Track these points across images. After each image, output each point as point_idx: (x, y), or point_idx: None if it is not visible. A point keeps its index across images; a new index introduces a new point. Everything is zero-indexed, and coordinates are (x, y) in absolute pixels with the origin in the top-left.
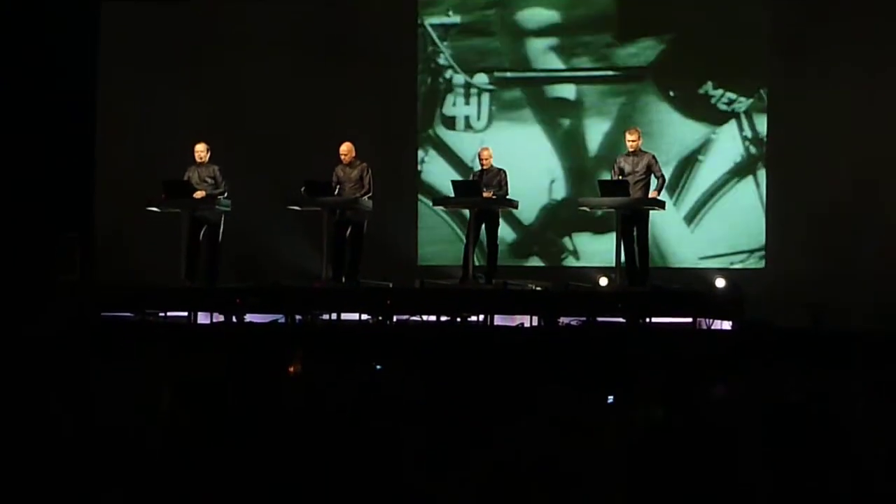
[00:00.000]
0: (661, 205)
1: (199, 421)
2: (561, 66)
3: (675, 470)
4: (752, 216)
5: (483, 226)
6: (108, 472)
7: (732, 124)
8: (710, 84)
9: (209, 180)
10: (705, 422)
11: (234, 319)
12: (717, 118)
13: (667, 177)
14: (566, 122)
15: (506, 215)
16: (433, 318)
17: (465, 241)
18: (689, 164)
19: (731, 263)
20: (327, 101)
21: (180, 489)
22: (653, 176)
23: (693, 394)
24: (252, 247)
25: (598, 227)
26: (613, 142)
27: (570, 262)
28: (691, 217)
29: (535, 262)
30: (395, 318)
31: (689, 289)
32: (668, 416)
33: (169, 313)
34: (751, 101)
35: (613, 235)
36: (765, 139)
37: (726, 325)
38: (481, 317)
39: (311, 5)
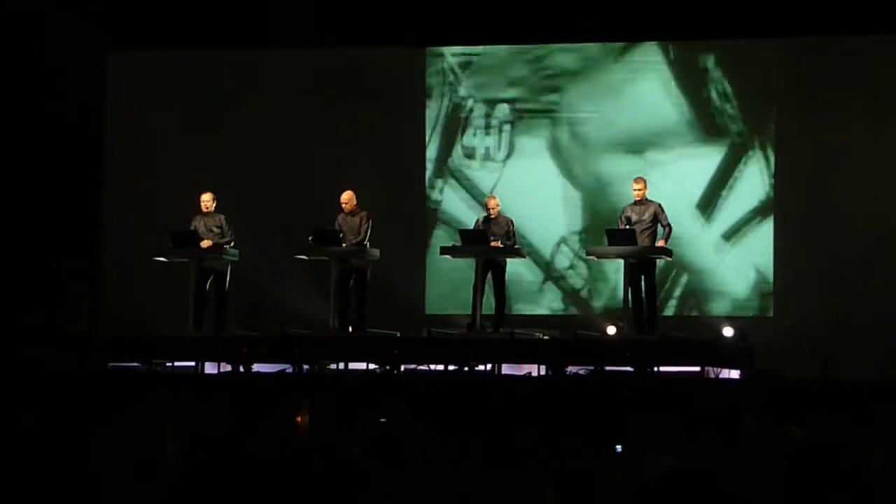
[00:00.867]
0: (669, 253)
1: (205, 471)
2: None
3: None
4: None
5: (490, 274)
6: None
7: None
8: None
9: (216, 230)
10: (715, 470)
11: (241, 369)
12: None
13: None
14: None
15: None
16: (441, 367)
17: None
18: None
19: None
20: (335, 150)
21: None
22: (659, 225)
23: (702, 442)
24: (259, 296)
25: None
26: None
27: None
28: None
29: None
30: (402, 368)
31: (697, 338)
32: (677, 466)
33: (176, 363)
34: (759, 146)
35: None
36: (772, 185)
37: (734, 374)
38: (489, 366)
39: (318, 55)
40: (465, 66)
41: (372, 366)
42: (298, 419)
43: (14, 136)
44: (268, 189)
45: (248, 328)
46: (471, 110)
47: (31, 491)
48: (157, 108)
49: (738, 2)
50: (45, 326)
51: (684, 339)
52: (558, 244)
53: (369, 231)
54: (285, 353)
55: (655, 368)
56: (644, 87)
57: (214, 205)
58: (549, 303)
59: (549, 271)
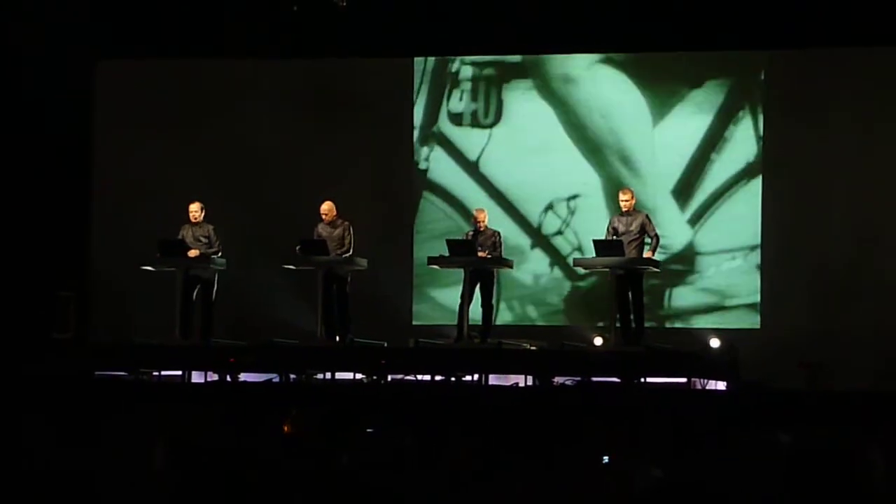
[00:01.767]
0: (656, 264)
1: (192, 481)
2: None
3: None
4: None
5: (478, 285)
6: None
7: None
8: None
9: (203, 239)
10: (703, 482)
11: (228, 378)
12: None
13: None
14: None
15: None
16: (427, 377)
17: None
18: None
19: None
20: (322, 160)
21: None
22: (646, 236)
23: (689, 454)
24: (246, 305)
25: None
26: None
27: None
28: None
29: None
30: (389, 378)
31: (684, 349)
32: (665, 477)
33: (163, 372)
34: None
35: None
36: (760, 197)
37: (721, 385)
38: (476, 376)
39: (306, 65)
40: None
41: (359, 375)
42: (285, 428)
43: (1, 142)
44: (255, 198)
45: (235, 337)
46: (457, 72)
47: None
48: (145, 117)
49: (725, 12)
50: (31, 334)
51: (671, 350)
52: (546, 210)
53: (353, 241)
54: (272, 363)
55: (642, 379)
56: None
57: (202, 215)
58: (535, 268)
59: (538, 237)
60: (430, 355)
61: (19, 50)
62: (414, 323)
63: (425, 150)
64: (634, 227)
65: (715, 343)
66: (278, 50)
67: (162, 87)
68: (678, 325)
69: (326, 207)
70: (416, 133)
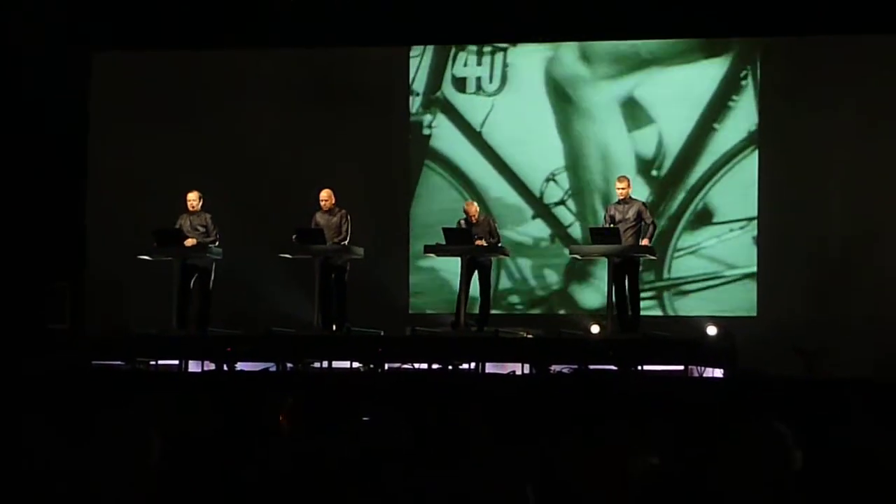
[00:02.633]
0: (652, 252)
1: (189, 471)
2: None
3: None
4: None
5: (476, 273)
6: None
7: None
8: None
9: (200, 228)
10: (701, 470)
11: (224, 367)
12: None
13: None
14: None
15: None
16: (424, 365)
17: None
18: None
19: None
20: (319, 149)
21: None
22: (643, 223)
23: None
24: (243, 294)
25: None
26: None
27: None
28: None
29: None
30: (386, 366)
31: (681, 336)
32: (663, 465)
33: (160, 361)
34: (743, 144)
35: None
36: (756, 186)
37: (718, 373)
38: (473, 364)
39: (304, 54)
40: None
41: (356, 364)
42: (281, 418)
43: None
44: (251, 187)
45: (232, 327)
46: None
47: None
48: (142, 107)
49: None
50: (28, 326)
51: (668, 337)
52: (548, 180)
53: (350, 229)
54: (269, 352)
55: (639, 367)
56: None
57: (201, 203)
58: (537, 232)
59: (539, 206)
60: (426, 344)
61: (15, 42)
62: (411, 311)
63: (428, 116)
64: (631, 214)
65: (712, 330)
66: (275, 39)
67: (158, 78)
68: (676, 296)
69: (325, 195)
70: (419, 100)
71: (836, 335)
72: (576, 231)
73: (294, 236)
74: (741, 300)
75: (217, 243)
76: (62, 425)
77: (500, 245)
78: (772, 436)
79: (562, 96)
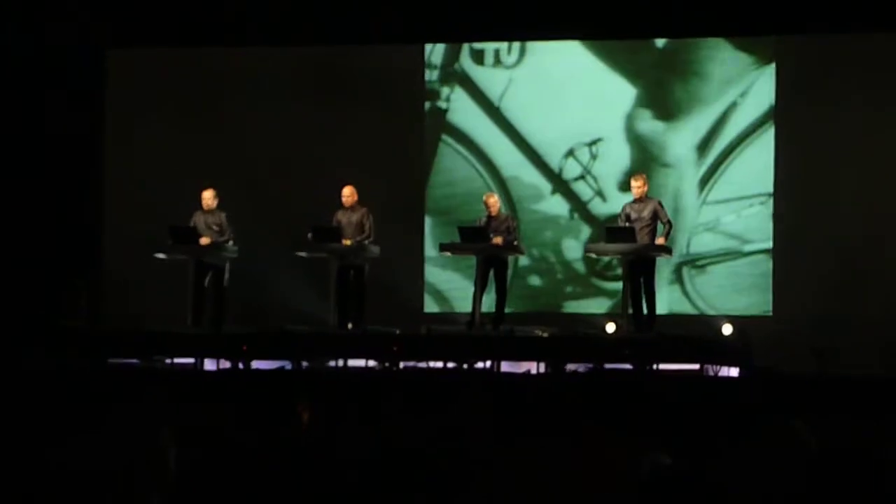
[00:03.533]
0: (668, 251)
1: (204, 469)
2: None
3: None
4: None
5: (492, 272)
6: None
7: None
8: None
9: (215, 227)
10: (713, 470)
11: (240, 366)
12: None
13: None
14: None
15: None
16: (440, 364)
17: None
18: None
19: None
20: (335, 147)
21: None
22: (659, 222)
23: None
24: (259, 292)
25: None
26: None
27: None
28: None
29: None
30: (401, 365)
31: (696, 335)
32: (675, 464)
33: (175, 360)
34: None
35: None
36: (772, 183)
37: (733, 371)
38: (488, 363)
39: (318, 51)
40: None
41: (371, 363)
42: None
43: (12, 131)
44: (267, 185)
45: (247, 325)
46: None
47: (28, 488)
48: (157, 105)
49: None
50: (44, 322)
51: (683, 336)
52: (566, 156)
53: (373, 227)
54: (284, 350)
55: (655, 366)
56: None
57: (216, 202)
58: (554, 207)
59: (558, 182)
60: (442, 342)
61: (31, 39)
62: (426, 310)
63: (446, 89)
64: (646, 213)
65: (727, 329)
66: (290, 36)
67: (173, 75)
68: (694, 272)
69: (348, 191)
70: (436, 73)
71: (852, 333)
72: (596, 206)
73: (310, 234)
74: (757, 276)
75: (231, 242)
76: (77, 422)
77: (516, 243)
78: (788, 432)
79: (584, 69)
